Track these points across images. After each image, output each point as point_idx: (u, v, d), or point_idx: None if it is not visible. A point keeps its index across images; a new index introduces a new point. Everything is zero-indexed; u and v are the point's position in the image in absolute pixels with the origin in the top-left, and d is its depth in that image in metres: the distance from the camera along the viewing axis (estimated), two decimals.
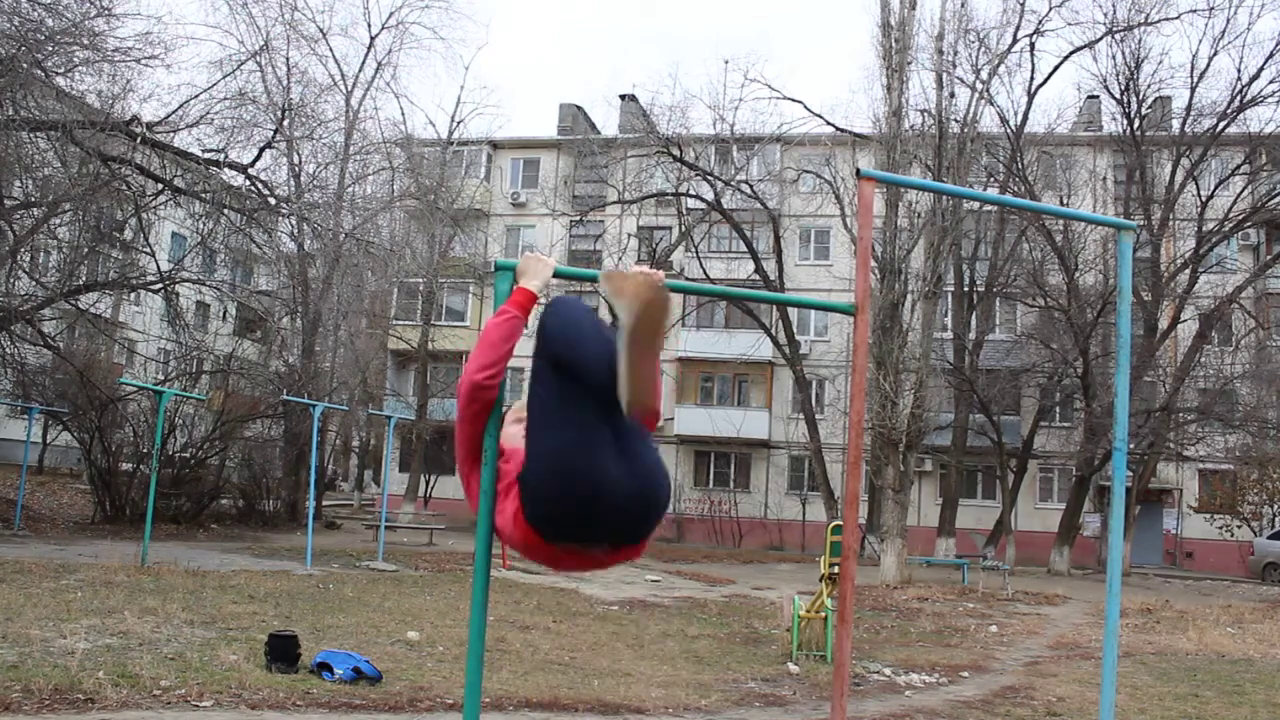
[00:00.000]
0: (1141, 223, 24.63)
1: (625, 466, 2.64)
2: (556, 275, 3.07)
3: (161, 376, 25.36)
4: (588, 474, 2.61)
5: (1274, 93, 24.38)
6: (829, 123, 26.44)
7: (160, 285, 20.97)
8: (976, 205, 24.52)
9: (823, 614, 9.95)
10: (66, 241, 20.43)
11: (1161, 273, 25.89)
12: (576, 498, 2.61)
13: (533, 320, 2.88)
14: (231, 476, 23.20)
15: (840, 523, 10.83)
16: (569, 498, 2.62)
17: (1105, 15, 25.32)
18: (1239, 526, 29.60)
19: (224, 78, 20.90)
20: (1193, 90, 25.22)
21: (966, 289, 28.81)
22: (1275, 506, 29.20)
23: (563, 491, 2.62)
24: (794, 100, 31.97)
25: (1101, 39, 25.30)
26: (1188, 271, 25.73)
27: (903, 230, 20.52)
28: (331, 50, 31.98)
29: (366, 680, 6.76)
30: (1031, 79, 25.75)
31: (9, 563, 12.01)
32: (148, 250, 21.02)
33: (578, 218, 32.11)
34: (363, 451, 44.68)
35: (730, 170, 29.57)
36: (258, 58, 22.66)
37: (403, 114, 45.74)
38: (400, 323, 33.83)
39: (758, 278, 27.60)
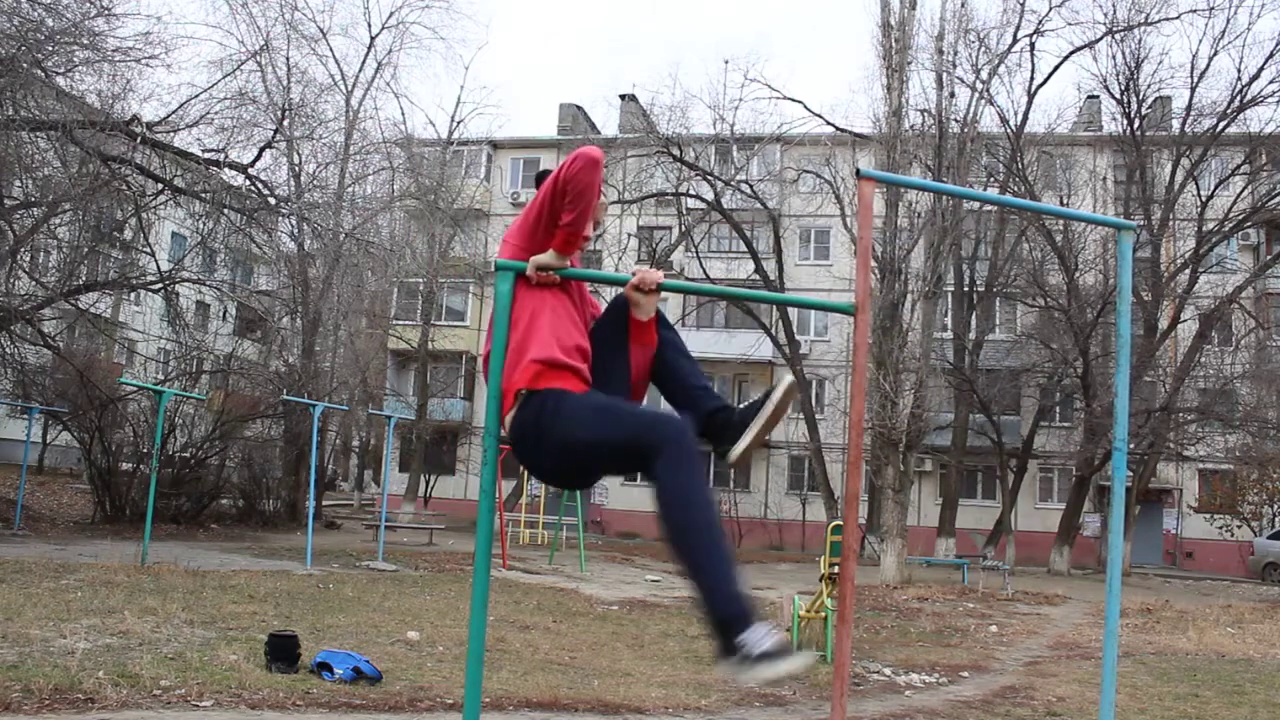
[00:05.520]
0: (1141, 223, 24.62)
1: None
2: (558, 275, 3.08)
3: (161, 376, 25.34)
4: None
5: (1274, 93, 24.39)
6: (829, 123, 26.45)
7: (160, 285, 20.94)
8: (976, 205, 24.51)
9: (823, 614, 9.95)
10: (66, 241, 20.40)
11: (1161, 273, 25.87)
12: None
13: None
14: (231, 476, 23.15)
15: (840, 523, 10.82)
16: None
17: (1105, 15, 25.34)
18: (1239, 526, 29.60)
19: (224, 78, 20.90)
20: (1193, 90, 25.24)
21: (966, 289, 28.80)
22: (1275, 506, 29.20)
23: None
24: (794, 100, 31.94)
25: (1101, 39, 25.31)
26: (1188, 271, 25.71)
27: (903, 230, 20.51)
28: (331, 50, 31.95)
29: (366, 680, 6.75)
30: (1031, 79, 25.78)
31: (9, 563, 12.00)
32: (148, 250, 21.00)
33: None
34: (363, 451, 44.68)
35: (730, 170, 29.56)
36: (258, 58, 22.64)
37: (403, 114, 45.90)
38: (400, 323, 33.84)
39: (758, 278, 27.60)
